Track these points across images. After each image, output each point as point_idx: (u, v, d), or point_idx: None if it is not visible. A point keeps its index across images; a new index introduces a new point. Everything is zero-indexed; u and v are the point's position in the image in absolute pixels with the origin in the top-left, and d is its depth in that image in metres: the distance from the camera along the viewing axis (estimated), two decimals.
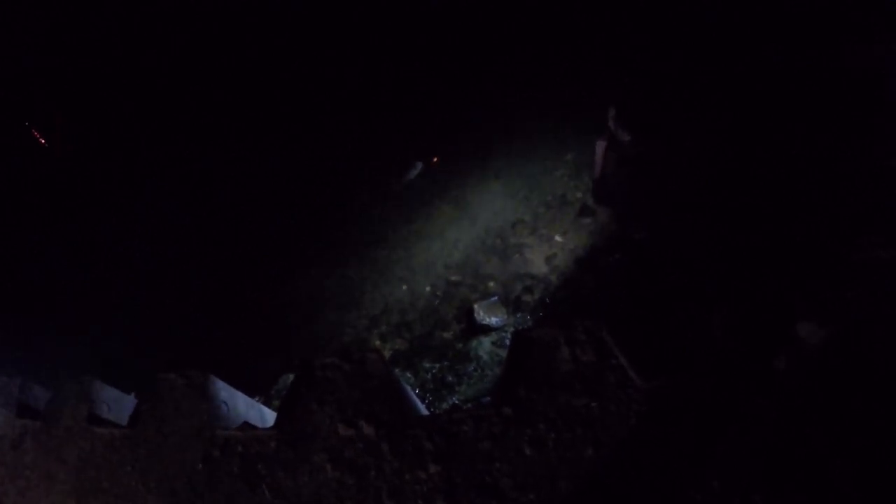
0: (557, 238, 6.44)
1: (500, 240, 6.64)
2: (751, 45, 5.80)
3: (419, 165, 7.16)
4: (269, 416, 4.10)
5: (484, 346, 5.67)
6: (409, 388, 3.80)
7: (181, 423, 3.57)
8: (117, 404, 4.00)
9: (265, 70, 8.17)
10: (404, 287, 6.44)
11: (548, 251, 6.40)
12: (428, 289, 6.41)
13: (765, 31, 5.94)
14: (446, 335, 5.93)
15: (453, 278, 6.44)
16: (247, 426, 3.55)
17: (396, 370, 5.49)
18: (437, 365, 5.59)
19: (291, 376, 5.14)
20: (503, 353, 5.51)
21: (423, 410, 3.46)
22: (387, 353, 5.73)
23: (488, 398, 4.09)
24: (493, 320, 5.81)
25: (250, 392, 4.09)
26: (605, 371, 3.22)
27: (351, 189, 7.21)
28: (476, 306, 5.92)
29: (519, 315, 5.86)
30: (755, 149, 5.32)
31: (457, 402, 5.06)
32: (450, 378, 5.42)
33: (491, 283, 6.31)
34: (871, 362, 2.91)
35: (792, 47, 5.44)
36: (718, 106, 6.08)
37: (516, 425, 3.14)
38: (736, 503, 2.77)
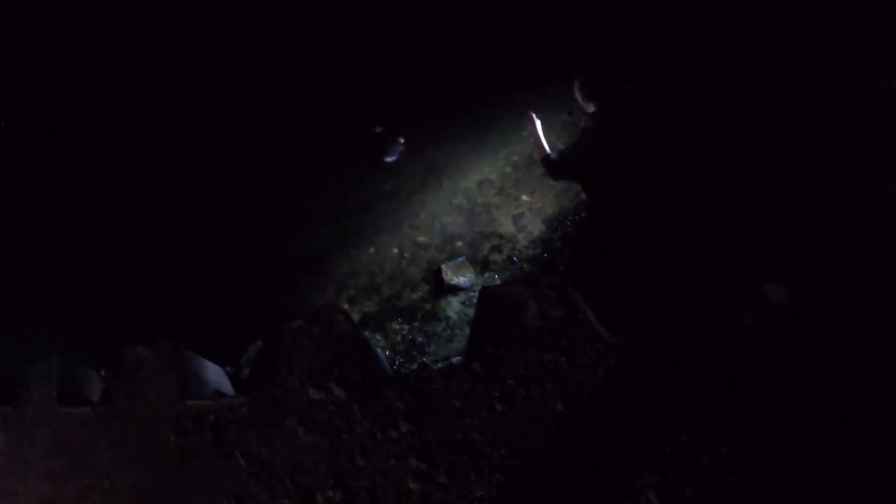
0: (524, 197, 6.46)
1: (466, 200, 6.62)
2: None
3: (400, 142, 7.05)
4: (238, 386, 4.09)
5: (453, 307, 5.71)
6: (377, 350, 3.82)
7: (151, 397, 3.52)
8: (87, 382, 3.92)
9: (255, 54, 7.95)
10: (371, 250, 6.41)
11: (515, 210, 6.42)
12: (395, 251, 6.39)
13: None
14: (415, 296, 5.95)
15: (420, 239, 6.43)
16: (217, 395, 3.53)
17: (366, 332, 5.50)
18: (407, 326, 5.61)
19: (260, 344, 5.11)
20: (472, 313, 5.55)
21: (390, 372, 3.49)
22: (356, 316, 5.73)
23: (458, 358, 4.13)
24: (461, 280, 5.84)
25: (220, 362, 4.05)
26: (572, 326, 3.28)
27: (323, 161, 7.09)
28: (443, 266, 5.93)
29: (487, 274, 5.90)
30: (723, 111, 5.37)
31: (426, 362, 5.10)
32: (420, 339, 5.46)
33: (458, 244, 6.32)
34: (832, 320, 3.02)
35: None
36: (685, 73, 6.11)
37: (485, 382, 3.19)
38: (704, 456, 2.88)
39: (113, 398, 3.57)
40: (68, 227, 6.88)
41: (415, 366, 5.15)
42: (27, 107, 8.27)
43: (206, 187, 7.03)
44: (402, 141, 7.17)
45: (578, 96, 4.08)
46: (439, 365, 4.92)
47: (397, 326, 5.63)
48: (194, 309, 5.71)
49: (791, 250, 3.56)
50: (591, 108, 4.02)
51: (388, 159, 7.08)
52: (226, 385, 3.85)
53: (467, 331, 5.46)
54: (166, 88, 8.01)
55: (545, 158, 4.27)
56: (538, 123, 4.29)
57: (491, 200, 6.59)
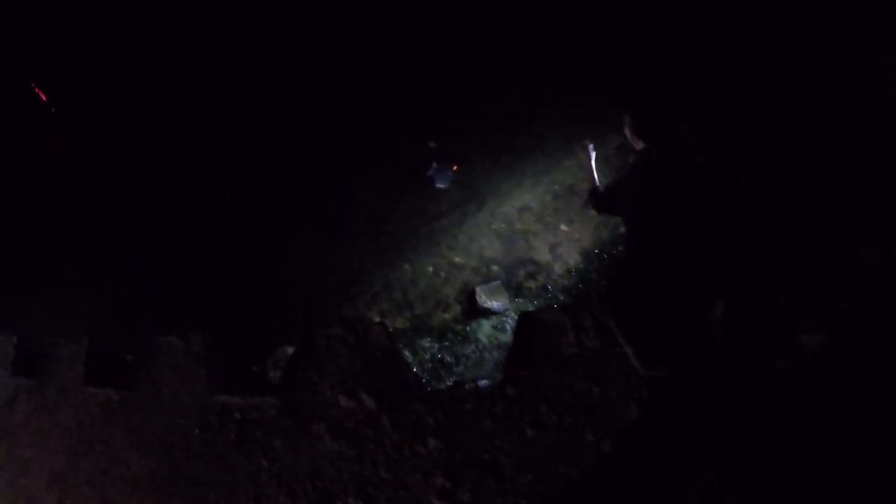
0: (563, 227, 6.43)
1: (505, 225, 6.61)
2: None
3: (453, 169, 7.08)
4: (266, 385, 4.09)
5: (484, 330, 5.66)
6: (412, 365, 3.79)
7: (178, 387, 3.55)
8: (114, 365, 3.96)
9: (268, 66, 8.10)
10: (406, 266, 6.41)
11: (552, 239, 6.39)
12: (430, 269, 6.39)
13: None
14: (446, 316, 5.93)
15: (456, 260, 6.42)
16: (245, 392, 3.53)
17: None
18: (437, 345, 5.58)
19: (290, 349, 5.12)
20: (503, 338, 5.51)
21: (422, 387, 3.46)
22: None
23: (485, 381, 4.08)
24: (494, 304, 5.80)
25: (248, 361, 4.07)
26: (608, 358, 3.22)
27: (366, 174, 7.16)
28: (478, 289, 5.91)
29: (520, 301, 5.86)
30: (761, 154, 5.29)
31: (460, 381, 5.06)
32: (448, 359, 5.42)
33: (494, 268, 6.30)
34: (864, 369, 2.93)
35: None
36: (728, 113, 6.04)
37: (518, 406, 3.14)
38: (727, 496, 2.78)
39: (139, 385, 3.60)
40: (110, 210, 7.00)
41: (441, 385, 5.10)
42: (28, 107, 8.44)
43: (252, 190, 7.13)
44: (455, 168, 7.19)
45: (627, 132, 4.06)
46: (466, 387, 4.86)
47: (427, 344, 5.60)
48: (225, 306, 5.74)
49: (823, 298, 3.48)
50: (639, 145, 3.99)
51: (440, 185, 7.08)
52: (255, 383, 3.85)
53: (496, 355, 5.41)
54: (216, 93, 8.16)
55: (594, 190, 4.24)
56: (593, 154, 4.27)
57: (530, 228, 6.57)
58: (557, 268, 6.05)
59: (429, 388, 3.53)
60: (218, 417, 3.43)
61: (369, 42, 8.03)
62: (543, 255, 6.28)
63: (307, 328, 3.58)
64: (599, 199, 4.22)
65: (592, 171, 4.27)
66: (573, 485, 2.88)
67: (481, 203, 6.81)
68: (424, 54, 7.62)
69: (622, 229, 5.74)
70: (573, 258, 6.07)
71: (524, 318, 3.44)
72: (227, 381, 3.58)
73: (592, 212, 6.29)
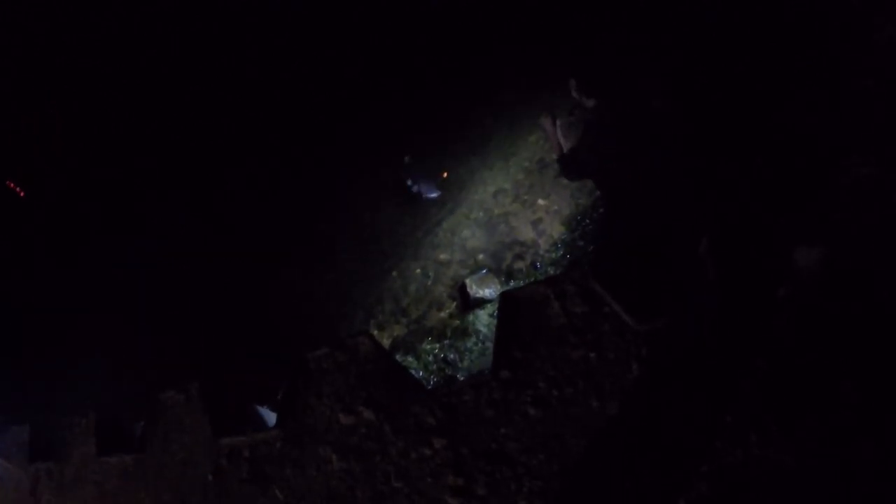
0: (541, 202, 6.39)
1: (482, 212, 6.58)
2: None
3: (442, 176, 7.01)
4: (272, 418, 4.07)
5: (481, 320, 5.63)
6: (406, 369, 3.75)
7: (186, 439, 3.54)
8: (125, 432, 3.99)
9: (266, 71, 8.05)
10: (394, 273, 6.39)
11: (532, 216, 6.35)
12: (418, 272, 6.37)
13: None
14: (442, 315, 5.90)
15: (441, 257, 6.39)
16: (250, 431, 3.51)
17: (398, 356, 5.44)
18: (438, 345, 5.55)
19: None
20: None
21: (422, 388, 3.42)
22: (386, 341, 5.70)
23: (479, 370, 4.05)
24: (486, 292, 5.77)
25: (256, 401, 4.06)
26: (598, 320, 3.18)
27: (339, 188, 7.13)
28: (468, 281, 5.88)
29: (512, 283, 5.82)
30: (729, 77, 5.19)
31: (460, 378, 5.02)
32: (452, 356, 5.39)
33: (480, 256, 6.27)
34: (866, 281, 2.87)
35: None
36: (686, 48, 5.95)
37: (516, 388, 3.10)
38: (751, 435, 2.74)
39: (150, 444, 3.60)
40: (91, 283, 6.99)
41: (440, 382, 5.07)
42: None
43: (231, 221, 7.09)
44: (445, 174, 7.08)
45: (575, 94, 4.01)
46: (460, 379, 4.82)
47: (428, 347, 5.57)
48: (224, 347, 5.72)
49: (814, 211, 3.43)
50: (590, 102, 3.94)
51: (430, 196, 6.96)
52: (258, 419, 3.84)
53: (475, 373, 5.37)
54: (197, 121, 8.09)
55: (561, 157, 4.20)
56: (558, 122, 4.21)
57: (508, 209, 6.53)
58: (543, 243, 6.01)
59: (425, 388, 3.50)
60: (228, 460, 3.42)
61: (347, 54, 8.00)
62: (527, 233, 6.24)
63: (298, 356, 3.56)
64: (567, 165, 4.17)
65: (558, 140, 4.22)
66: (587, 456, 2.84)
67: (454, 195, 6.79)
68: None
69: (598, 191, 5.70)
70: (556, 230, 6.02)
71: (504, 297, 3.41)
72: (232, 423, 3.56)
73: (566, 180, 6.28)
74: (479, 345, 5.37)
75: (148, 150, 7.89)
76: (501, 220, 6.43)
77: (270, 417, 4.58)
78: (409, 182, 6.96)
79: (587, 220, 5.83)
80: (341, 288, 6.38)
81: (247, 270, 6.51)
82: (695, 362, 2.95)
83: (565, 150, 4.28)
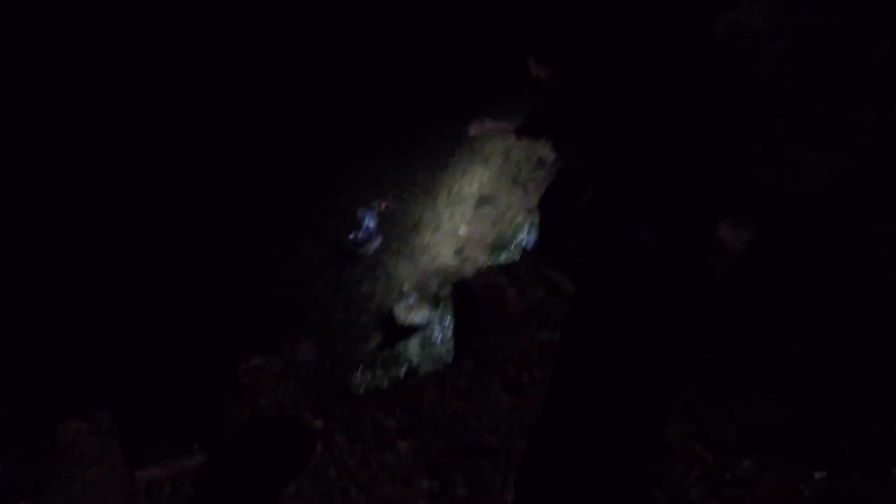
0: (462, 231, 6.28)
1: (404, 244, 6.37)
2: None
3: (381, 206, 6.67)
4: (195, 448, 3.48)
5: (412, 348, 5.30)
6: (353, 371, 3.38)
7: (94, 474, 2.90)
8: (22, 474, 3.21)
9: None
10: (314, 309, 5.96)
11: (455, 244, 6.21)
12: (340, 306, 5.98)
13: None
14: (371, 346, 5.51)
15: (365, 290, 6.06)
16: (170, 461, 2.95)
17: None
18: (369, 374, 5.13)
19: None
20: (434, 349, 5.18)
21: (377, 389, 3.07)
22: None
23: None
24: (416, 318, 5.47)
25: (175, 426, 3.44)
26: (556, 302, 3.04)
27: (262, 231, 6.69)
28: (395, 308, 5.56)
29: (440, 308, 5.56)
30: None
31: (414, 368, 4.65)
32: (385, 384, 4.98)
33: (405, 286, 6.00)
34: (789, 260, 2.98)
35: None
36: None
37: (482, 376, 2.84)
38: (728, 399, 2.65)
39: (50, 485, 2.91)
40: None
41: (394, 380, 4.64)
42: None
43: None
44: (384, 205, 6.69)
45: (532, 68, 3.99)
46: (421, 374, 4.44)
47: (358, 378, 5.12)
48: (126, 373, 4.87)
49: (741, 191, 3.55)
50: (545, 72, 3.92)
51: (371, 245, 6.49)
52: (180, 448, 3.26)
53: (432, 367, 5.06)
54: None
55: (517, 130, 4.09)
56: (486, 122, 4.14)
57: (429, 240, 6.36)
58: (467, 268, 5.84)
59: (380, 388, 3.13)
60: (146, 495, 2.83)
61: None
62: (450, 260, 6.06)
63: (223, 368, 3.10)
64: (524, 130, 4.08)
65: (499, 126, 4.13)
66: (571, 435, 2.59)
67: (379, 222, 6.55)
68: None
69: (524, 213, 5.70)
70: (481, 257, 5.90)
71: (459, 287, 3.20)
72: (147, 452, 2.98)
73: (486, 209, 6.26)
74: (413, 369, 5.03)
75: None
76: (423, 250, 6.24)
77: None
78: (351, 236, 6.52)
79: (511, 247, 5.77)
80: (259, 329, 5.83)
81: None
82: (655, 328, 2.87)
83: (509, 125, 4.20)
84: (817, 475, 2.18)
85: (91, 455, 2.93)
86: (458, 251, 6.21)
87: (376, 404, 2.85)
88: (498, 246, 6.04)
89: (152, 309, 5.60)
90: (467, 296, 3.09)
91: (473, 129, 4.24)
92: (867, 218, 2.92)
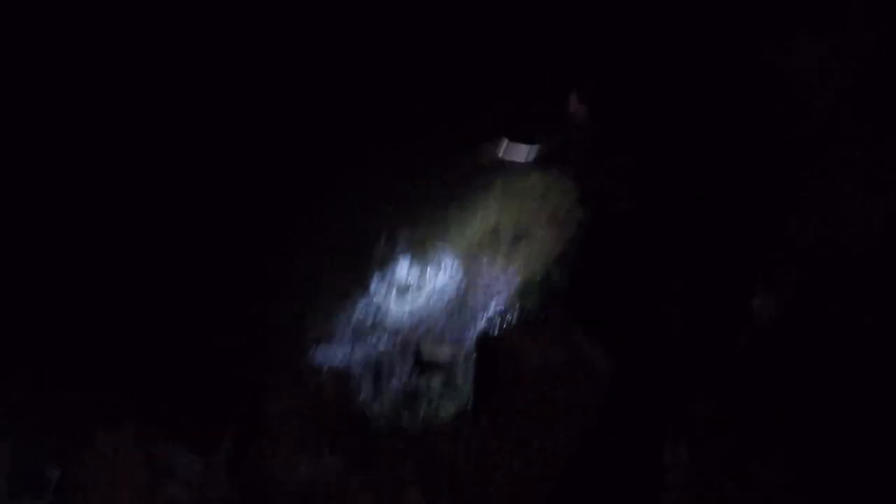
0: (497, 265, 6.37)
1: (438, 272, 6.49)
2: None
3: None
4: (216, 469, 3.63)
5: (434, 386, 5.39)
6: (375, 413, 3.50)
7: (116, 485, 3.05)
8: (42, 472, 3.37)
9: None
10: (341, 333, 6.10)
11: (485, 281, 6.29)
12: (365, 335, 6.11)
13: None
14: (394, 378, 5.62)
15: (388, 322, 6.19)
16: (193, 482, 3.10)
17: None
18: (388, 408, 5.24)
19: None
20: (455, 390, 5.27)
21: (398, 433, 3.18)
22: None
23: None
24: (440, 356, 5.56)
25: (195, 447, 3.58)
26: (575, 367, 3.13)
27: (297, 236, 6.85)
28: (421, 343, 5.67)
29: (466, 349, 5.65)
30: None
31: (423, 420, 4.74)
32: (404, 420, 5.08)
33: (431, 321, 6.10)
34: (821, 336, 2.97)
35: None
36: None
37: (496, 436, 2.94)
38: (704, 470, 2.68)
39: (69, 490, 3.07)
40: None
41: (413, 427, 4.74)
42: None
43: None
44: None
45: (572, 104, 4.09)
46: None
47: (377, 411, 5.23)
48: (163, 388, 5.08)
49: (773, 264, 3.56)
50: (581, 111, 4.03)
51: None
52: (202, 469, 3.40)
53: (451, 406, 5.14)
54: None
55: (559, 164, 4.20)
56: (504, 144, 4.25)
57: (458, 276, 6.47)
58: (495, 306, 5.93)
59: (398, 437, 3.24)
60: None
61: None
62: (479, 299, 6.16)
63: (250, 400, 3.24)
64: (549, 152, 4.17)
65: (517, 147, 4.22)
66: (572, 495, 2.67)
67: (409, 253, 6.68)
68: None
69: (559, 253, 5.76)
70: (513, 292, 5.97)
71: (483, 343, 3.30)
72: (171, 470, 3.15)
73: (521, 247, 6.33)
74: (432, 410, 5.11)
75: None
76: (453, 285, 6.35)
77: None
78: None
79: (544, 284, 5.81)
80: (281, 342, 6.00)
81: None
82: (665, 402, 2.92)
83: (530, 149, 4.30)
84: None
85: (115, 466, 3.09)
86: (486, 288, 6.29)
87: (392, 449, 2.96)
88: (530, 286, 6.11)
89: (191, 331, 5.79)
90: (490, 352, 3.19)
91: (486, 151, 4.34)
92: None
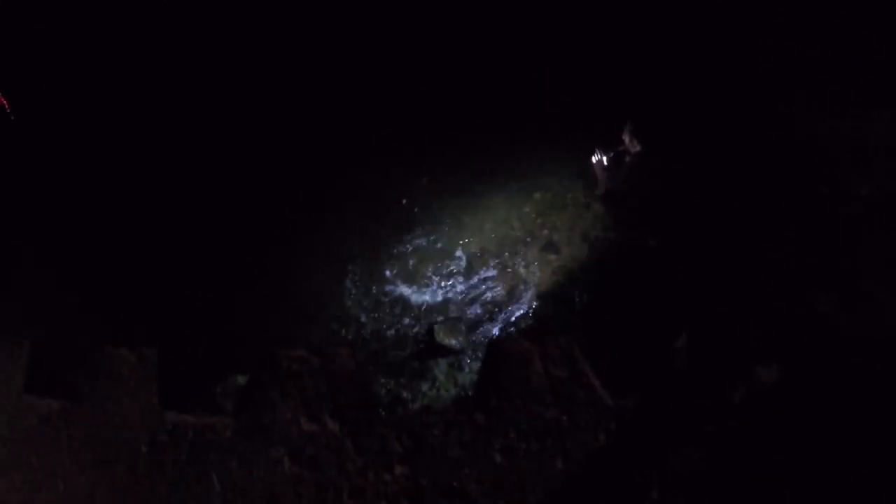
0: (521, 270, 6.52)
1: (465, 265, 6.66)
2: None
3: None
4: (220, 408, 3.90)
5: (441, 367, 5.61)
6: (379, 390, 3.70)
7: (126, 402, 3.33)
8: (59, 375, 3.66)
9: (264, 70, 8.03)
10: (366, 301, 6.34)
11: (511, 282, 6.45)
12: (388, 305, 6.34)
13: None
14: (404, 352, 5.85)
15: (416, 297, 6.40)
16: (199, 412, 3.34)
17: None
18: (393, 381, 5.48)
19: (242, 377, 4.91)
20: (459, 376, 5.47)
21: (395, 412, 3.38)
22: None
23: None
24: (452, 342, 5.77)
25: (204, 383, 3.88)
26: (575, 387, 3.24)
27: (340, 194, 7.09)
28: (436, 327, 5.88)
29: (478, 339, 5.85)
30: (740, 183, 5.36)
31: (421, 408, 4.97)
32: (405, 394, 5.32)
33: (452, 306, 6.30)
34: (814, 405, 3.07)
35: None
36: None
37: (487, 433, 3.10)
38: None
39: (84, 397, 3.35)
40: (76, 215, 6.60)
41: (411, 410, 4.97)
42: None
43: (218, 216, 6.90)
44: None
45: (626, 136, 4.21)
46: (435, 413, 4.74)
47: (383, 380, 5.48)
48: (182, 326, 5.45)
49: (778, 336, 3.63)
50: (636, 148, 4.14)
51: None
52: (208, 405, 3.67)
53: (453, 392, 5.35)
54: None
55: (606, 193, 4.35)
56: (604, 159, 4.39)
57: (489, 269, 6.63)
58: (516, 310, 6.10)
59: (396, 414, 3.44)
60: (169, 436, 3.24)
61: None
62: (502, 296, 6.32)
63: (269, 350, 3.46)
64: (609, 198, 4.32)
65: (603, 175, 4.37)
66: None
67: (441, 243, 6.86)
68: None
69: (582, 272, 5.88)
70: (531, 300, 6.13)
71: (493, 347, 3.45)
72: (181, 400, 3.39)
73: (551, 256, 6.46)
74: (434, 391, 5.33)
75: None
76: (480, 277, 6.51)
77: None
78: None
79: (563, 298, 5.95)
80: (310, 301, 6.27)
81: (219, 265, 6.32)
82: (654, 443, 3.04)
83: (606, 189, 4.44)
84: None
85: (130, 384, 3.35)
86: (512, 289, 6.45)
87: (389, 424, 3.15)
88: (548, 297, 6.25)
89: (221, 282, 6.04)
90: (498, 355, 3.34)
91: (595, 164, 4.44)
92: None
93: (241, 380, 4.66)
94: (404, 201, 7.14)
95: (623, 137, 4.19)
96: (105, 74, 8.23)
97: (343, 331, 6.01)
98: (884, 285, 3.52)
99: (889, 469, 2.67)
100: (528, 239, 6.75)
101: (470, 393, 3.49)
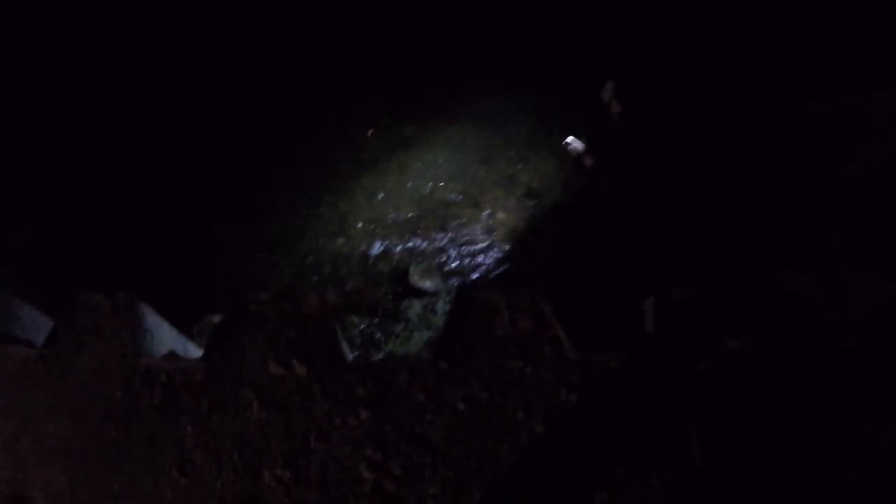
0: (500, 215, 6.53)
1: (442, 207, 6.66)
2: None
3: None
4: (193, 351, 3.96)
5: (414, 309, 5.70)
6: (346, 338, 3.77)
7: (101, 348, 3.38)
8: (33, 323, 3.72)
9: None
10: (341, 240, 6.35)
11: (488, 225, 6.48)
12: (364, 246, 6.36)
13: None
14: (378, 294, 5.92)
15: (391, 238, 6.41)
16: (172, 356, 3.41)
17: None
18: (367, 321, 5.57)
19: (215, 317, 4.98)
20: (433, 318, 5.57)
21: (361, 358, 3.45)
22: None
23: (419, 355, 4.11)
24: (426, 284, 5.84)
25: (180, 328, 3.92)
26: (541, 340, 3.32)
27: (308, 132, 6.98)
28: (411, 268, 5.94)
29: (452, 282, 5.92)
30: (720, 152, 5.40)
31: (392, 352, 5.08)
32: (378, 335, 5.43)
33: (429, 251, 6.34)
34: (777, 378, 3.17)
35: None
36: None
37: (451, 381, 3.19)
38: (652, 479, 2.94)
39: (59, 343, 3.40)
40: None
41: (376, 357, 5.09)
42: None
43: (181, 165, 6.80)
44: (370, 132, 6.90)
45: (607, 96, 4.17)
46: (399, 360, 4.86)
47: (356, 320, 5.58)
48: (153, 270, 5.47)
49: (749, 309, 3.71)
50: (616, 109, 4.11)
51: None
52: (180, 348, 3.73)
53: (426, 334, 5.46)
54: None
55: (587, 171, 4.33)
56: (578, 143, 4.36)
57: (466, 212, 6.65)
58: (492, 254, 6.15)
59: (362, 360, 3.52)
60: (142, 380, 3.31)
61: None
62: (479, 239, 6.36)
63: (237, 294, 3.49)
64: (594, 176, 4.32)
65: (583, 161, 4.36)
66: (502, 460, 2.96)
67: (420, 183, 6.83)
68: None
69: (561, 227, 5.91)
70: (508, 245, 6.18)
71: (459, 296, 3.49)
72: (155, 343, 3.45)
73: (530, 202, 6.47)
74: (406, 332, 5.44)
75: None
76: (457, 219, 6.52)
77: (188, 347, 4.44)
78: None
79: (540, 247, 6.00)
80: (284, 241, 6.27)
81: (184, 214, 6.27)
82: (617, 401, 3.14)
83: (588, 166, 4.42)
84: None
85: (104, 329, 3.39)
86: (489, 233, 6.48)
87: (355, 372, 3.23)
88: (525, 242, 6.30)
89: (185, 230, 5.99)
90: (465, 304, 3.39)
91: (571, 144, 4.42)
92: None
93: (217, 319, 4.73)
94: (379, 141, 7.04)
95: (603, 96, 4.12)
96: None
97: (317, 273, 6.05)
98: (856, 268, 3.59)
99: (853, 448, 2.79)
100: (509, 184, 6.75)
101: (432, 347, 3.56)
